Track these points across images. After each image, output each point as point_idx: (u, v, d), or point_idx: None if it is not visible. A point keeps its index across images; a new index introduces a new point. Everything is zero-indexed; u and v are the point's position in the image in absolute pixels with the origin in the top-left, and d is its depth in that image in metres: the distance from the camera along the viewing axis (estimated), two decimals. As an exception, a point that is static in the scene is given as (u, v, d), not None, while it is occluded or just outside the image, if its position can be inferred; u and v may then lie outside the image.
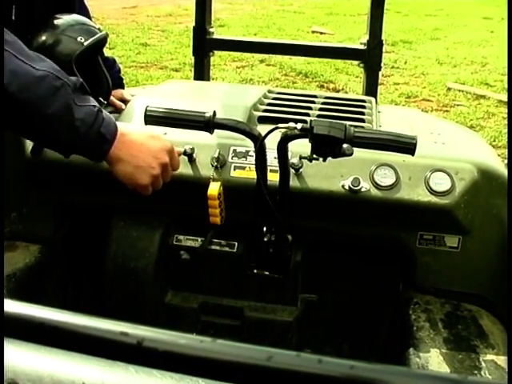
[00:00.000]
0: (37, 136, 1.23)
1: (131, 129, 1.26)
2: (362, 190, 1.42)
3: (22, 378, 0.45)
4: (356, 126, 1.26)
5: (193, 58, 2.50)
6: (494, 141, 4.72)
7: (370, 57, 2.32)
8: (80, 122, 1.14)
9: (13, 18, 1.62)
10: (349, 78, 6.41)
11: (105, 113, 1.20)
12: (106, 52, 1.99)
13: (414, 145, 1.21)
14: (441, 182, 1.42)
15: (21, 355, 0.47)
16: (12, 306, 0.51)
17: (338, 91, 5.92)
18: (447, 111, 5.61)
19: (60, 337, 0.46)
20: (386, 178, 1.43)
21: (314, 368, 0.38)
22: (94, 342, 0.44)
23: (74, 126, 1.14)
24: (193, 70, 2.53)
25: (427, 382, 0.44)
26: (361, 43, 2.38)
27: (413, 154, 1.23)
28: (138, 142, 1.24)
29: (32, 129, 1.18)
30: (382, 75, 6.34)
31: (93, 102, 1.19)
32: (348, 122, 1.27)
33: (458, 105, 5.77)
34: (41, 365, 0.46)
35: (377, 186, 1.43)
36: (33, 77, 1.09)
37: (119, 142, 1.20)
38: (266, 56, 6.83)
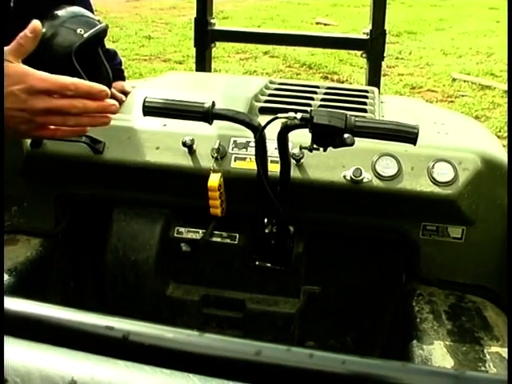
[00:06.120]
0: None
1: None
2: (364, 180, 1.40)
3: (11, 373, 0.44)
4: (357, 116, 1.25)
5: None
6: (500, 131, 4.69)
7: (373, 46, 2.30)
8: None
9: (11, 4, 1.61)
10: (353, 69, 6.37)
11: None
12: (109, 45, 1.98)
13: (416, 134, 1.20)
14: (444, 172, 1.40)
15: (9, 351, 0.46)
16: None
17: (342, 82, 5.88)
18: (452, 102, 5.57)
19: (47, 331, 0.45)
20: (387, 168, 1.41)
21: (305, 363, 0.36)
22: (80, 337, 0.43)
23: None
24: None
25: (424, 377, 0.43)
26: (363, 33, 2.36)
27: (414, 144, 1.21)
28: None
29: None
30: (387, 66, 6.31)
31: None
32: (350, 113, 1.25)
33: (463, 95, 5.73)
34: (30, 360, 0.45)
35: (379, 176, 1.41)
36: None
37: None
38: (269, 48, 6.80)
